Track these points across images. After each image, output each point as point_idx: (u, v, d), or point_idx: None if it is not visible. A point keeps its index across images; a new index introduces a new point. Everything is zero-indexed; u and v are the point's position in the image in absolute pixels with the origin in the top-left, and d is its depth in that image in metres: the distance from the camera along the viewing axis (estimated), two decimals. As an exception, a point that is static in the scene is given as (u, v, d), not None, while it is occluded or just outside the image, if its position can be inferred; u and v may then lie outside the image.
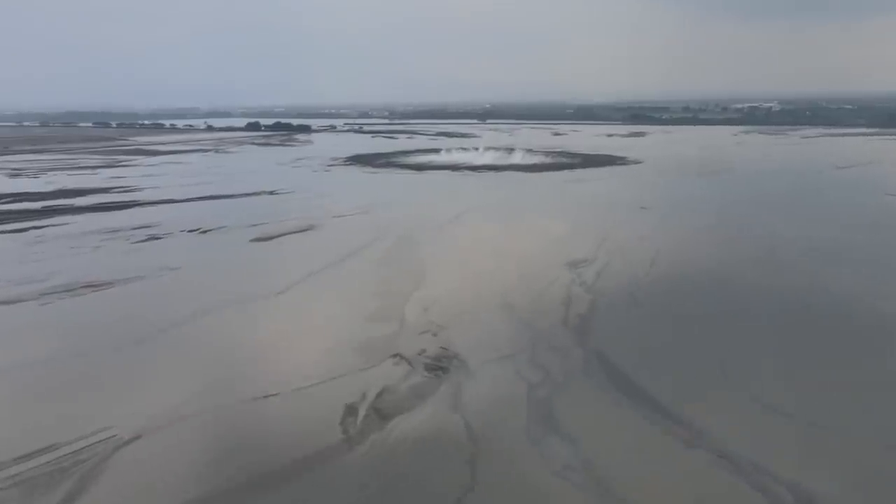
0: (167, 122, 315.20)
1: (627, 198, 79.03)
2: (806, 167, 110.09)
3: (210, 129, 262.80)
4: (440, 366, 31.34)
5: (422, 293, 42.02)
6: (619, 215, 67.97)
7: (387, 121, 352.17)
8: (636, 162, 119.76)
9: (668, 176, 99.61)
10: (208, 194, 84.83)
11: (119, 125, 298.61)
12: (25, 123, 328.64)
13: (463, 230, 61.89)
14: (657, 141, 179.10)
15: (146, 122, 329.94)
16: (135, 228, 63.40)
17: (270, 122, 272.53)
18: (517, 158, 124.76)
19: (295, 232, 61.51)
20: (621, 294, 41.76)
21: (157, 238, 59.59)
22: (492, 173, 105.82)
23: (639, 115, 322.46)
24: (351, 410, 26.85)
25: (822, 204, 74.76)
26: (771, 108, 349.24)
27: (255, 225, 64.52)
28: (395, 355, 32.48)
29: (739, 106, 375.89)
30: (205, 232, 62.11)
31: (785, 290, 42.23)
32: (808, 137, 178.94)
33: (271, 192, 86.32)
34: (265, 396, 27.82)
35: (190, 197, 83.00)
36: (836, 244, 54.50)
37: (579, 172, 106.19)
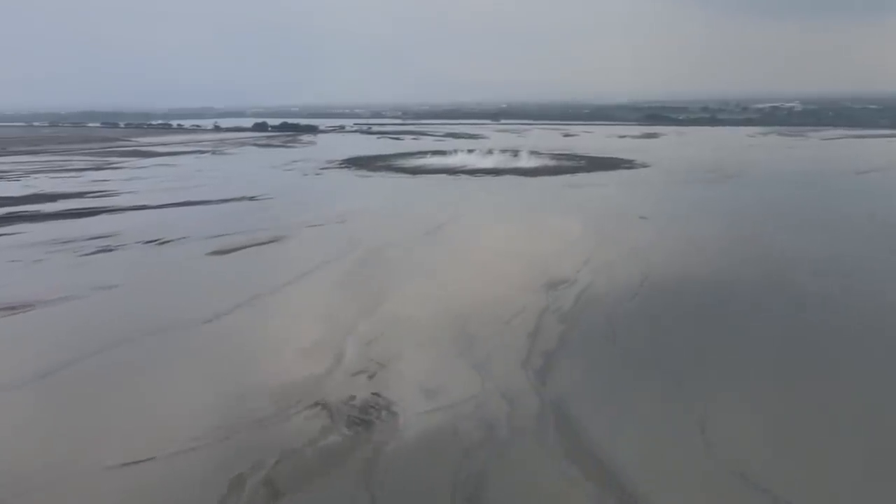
0: (175, 123, 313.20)
1: (627, 206, 73.46)
2: (823, 172, 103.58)
3: (217, 129, 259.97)
4: (365, 419, 26.37)
5: (372, 321, 37.07)
6: (613, 226, 62.51)
7: (399, 121, 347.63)
8: (643, 166, 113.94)
9: (674, 181, 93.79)
10: (185, 200, 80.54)
11: (127, 125, 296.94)
12: (35, 123, 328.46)
13: (439, 243, 56.83)
14: (669, 143, 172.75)
15: (154, 122, 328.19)
16: (90, 239, 59.05)
17: (278, 122, 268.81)
18: (519, 161, 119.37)
19: (258, 244, 56.83)
20: (598, 324, 36.48)
21: (109, 250, 55.18)
22: (488, 177, 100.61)
23: (655, 115, 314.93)
24: (238, 483, 21.97)
25: (837, 215, 68.69)
26: (793, 108, 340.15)
27: (219, 236, 59.99)
28: (316, 403, 27.56)
29: (760, 106, 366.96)
30: (163, 243, 57.60)
31: (789, 325, 36.73)
32: (828, 139, 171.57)
33: (251, 198, 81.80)
34: (132, 463, 22.95)
35: (165, 203, 78.68)
36: (852, 264, 48.78)
37: (582, 177, 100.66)
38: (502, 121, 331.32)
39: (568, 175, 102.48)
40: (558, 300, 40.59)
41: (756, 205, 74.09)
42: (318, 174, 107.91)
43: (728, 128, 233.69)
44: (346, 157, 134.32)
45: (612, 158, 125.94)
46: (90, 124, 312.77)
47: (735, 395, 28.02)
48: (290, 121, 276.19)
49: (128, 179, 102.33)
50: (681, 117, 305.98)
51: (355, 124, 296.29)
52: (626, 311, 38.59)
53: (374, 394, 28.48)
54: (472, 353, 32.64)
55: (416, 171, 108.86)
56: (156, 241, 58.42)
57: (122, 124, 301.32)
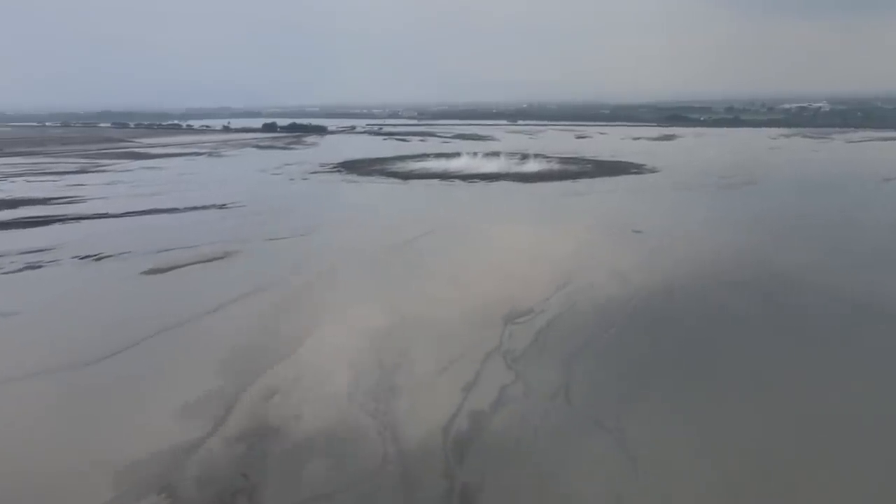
0: (185, 123, 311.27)
1: (623, 217, 66.88)
2: (846, 178, 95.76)
3: (226, 129, 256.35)
4: (217, 514, 20.49)
5: (284, 367, 31.26)
6: (601, 242, 56.13)
7: (414, 121, 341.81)
8: (652, 171, 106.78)
9: (681, 189, 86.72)
10: (151, 208, 75.43)
11: (137, 125, 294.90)
12: (48, 123, 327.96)
13: (401, 263, 50.83)
14: (685, 146, 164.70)
15: (164, 122, 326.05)
16: (24, 253, 54.15)
17: (288, 122, 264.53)
18: (521, 166, 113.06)
19: (202, 261, 51.43)
20: (552, 375, 30.23)
21: (37, 267, 50.13)
22: (483, 183, 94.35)
23: (676, 116, 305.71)
24: None
25: (861, 230, 61.58)
26: (820, 108, 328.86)
27: (166, 250, 54.78)
28: (165, 487, 21.78)
29: (787, 106, 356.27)
30: (100, 259, 52.45)
31: (796, 380, 30.19)
32: (854, 142, 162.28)
33: (221, 206, 76.47)
34: None
35: (129, 211, 73.71)
36: (874, 294, 41.89)
37: (583, 183, 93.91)
38: (519, 121, 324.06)
39: (569, 181, 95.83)
40: (514, 338, 34.45)
41: (767, 218, 67.08)
42: (304, 179, 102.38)
43: (751, 129, 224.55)
44: (341, 160, 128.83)
45: (620, 162, 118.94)
46: (102, 124, 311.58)
47: (701, 495, 21.67)
48: (299, 121, 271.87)
49: (106, 184, 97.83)
50: (703, 118, 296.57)
51: (367, 125, 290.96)
52: (592, 356, 32.29)
53: (242, 474, 22.63)
54: (387, 413, 26.66)
55: (408, 177, 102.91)
56: (94, 256, 53.31)
57: (132, 124, 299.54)
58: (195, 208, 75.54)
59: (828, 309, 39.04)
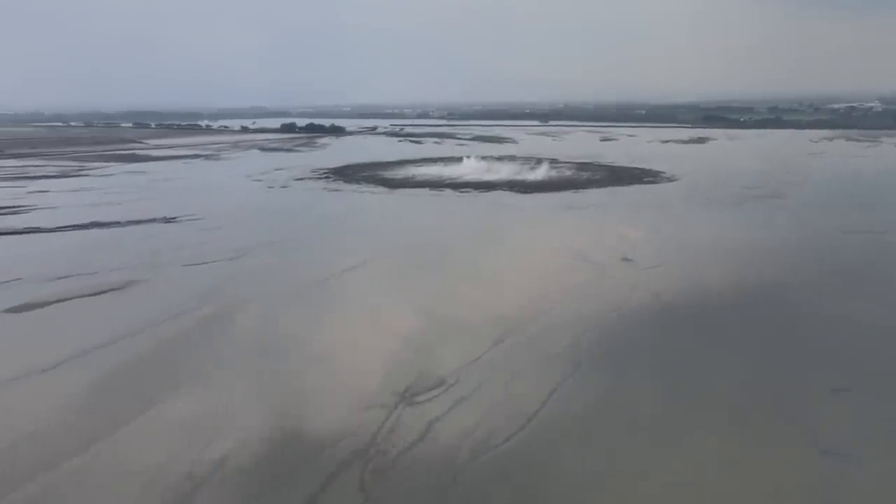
0: (205, 123, 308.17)
1: (617, 238, 56.73)
2: (890, 190, 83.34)
3: (244, 130, 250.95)
4: None
5: (62, 472, 22.33)
6: (578, 274, 46.10)
7: (443, 122, 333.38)
8: (670, 179, 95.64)
9: (696, 202, 75.64)
10: (91, 221, 67.83)
11: (158, 125, 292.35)
12: (72, 123, 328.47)
13: (318, 302, 41.71)
14: (716, 150, 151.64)
15: (183, 123, 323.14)
16: None
17: (312, 123, 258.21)
18: (527, 172, 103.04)
19: (93, 294, 43.41)
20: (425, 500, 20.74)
21: None
22: (476, 193, 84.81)
23: (713, 116, 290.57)
24: None
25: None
26: (871, 108, 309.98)
27: (62, 277, 47.15)
28: None
29: (836, 106, 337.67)
30: (-24, 289, 44.49)
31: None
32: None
33: (170, 220, 68.53)
34: None
35: (65, 225, 66.37)
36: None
37: (588, 194, 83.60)
38: (550, 122, 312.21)
39: (572, 192, 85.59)
40: (397, 431, 25.12)
41: (790, 241, 56.03)
42: (284, 187, 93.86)
43: (792, 130, 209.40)
44: (338, 164, 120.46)
45: (637, 169, 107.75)
46: (123, 124, 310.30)
47: None
48: (323, 122, 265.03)
49: (71, 191, 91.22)
50: (742, 118, 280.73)
51: (391, 125, 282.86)
52: (490, 470, 22.64)
53: None
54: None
55: (398, 184, 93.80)
56: (-27, 285, 45.44)
57: (153, 124, 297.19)
58: (139, 222, 67.72)
59: (860, 364, 28.61)
